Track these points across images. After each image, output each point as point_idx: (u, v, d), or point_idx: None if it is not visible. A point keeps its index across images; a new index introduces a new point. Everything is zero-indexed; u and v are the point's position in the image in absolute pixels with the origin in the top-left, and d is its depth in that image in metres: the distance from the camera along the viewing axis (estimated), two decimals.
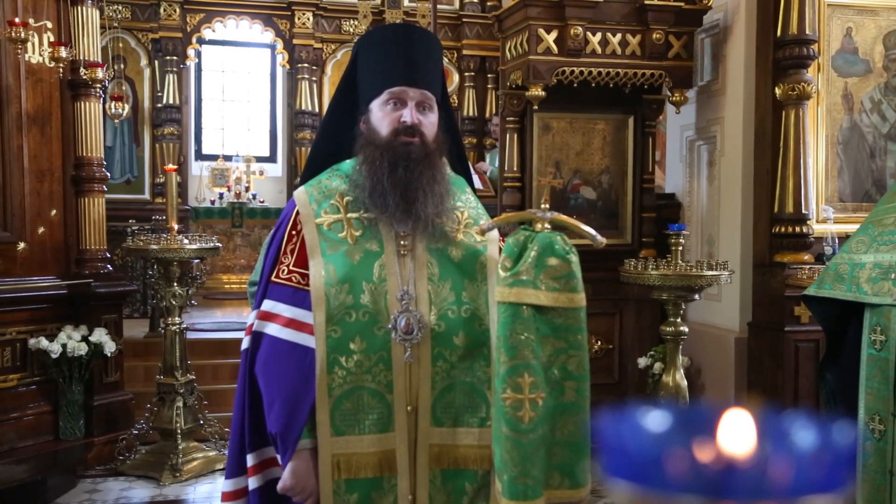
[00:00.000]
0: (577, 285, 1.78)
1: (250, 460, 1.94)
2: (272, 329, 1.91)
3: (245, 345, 1.96)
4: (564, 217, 1.87)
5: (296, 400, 1.85)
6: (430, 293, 1.90)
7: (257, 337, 1.92)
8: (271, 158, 10.64)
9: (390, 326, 1.86)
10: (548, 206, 1.85)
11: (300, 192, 2.01)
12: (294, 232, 1.96)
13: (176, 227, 4.80)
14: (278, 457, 1.90)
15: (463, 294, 1.91)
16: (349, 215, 1.94)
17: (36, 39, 4.53)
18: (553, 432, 1.77)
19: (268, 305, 1.93)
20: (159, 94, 8.75)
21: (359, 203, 1.94)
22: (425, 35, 2.15)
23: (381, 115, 1.93)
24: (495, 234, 1.99)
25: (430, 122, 1.95)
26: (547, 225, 1.82)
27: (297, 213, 1.97)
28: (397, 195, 1.88)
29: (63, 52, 4.34)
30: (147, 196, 8.72)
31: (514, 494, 1.72)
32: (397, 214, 1.90)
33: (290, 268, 1.93)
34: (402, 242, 1.92)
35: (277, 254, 1.97)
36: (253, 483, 1.95)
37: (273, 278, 1.94)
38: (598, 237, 1.88)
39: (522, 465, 1.71)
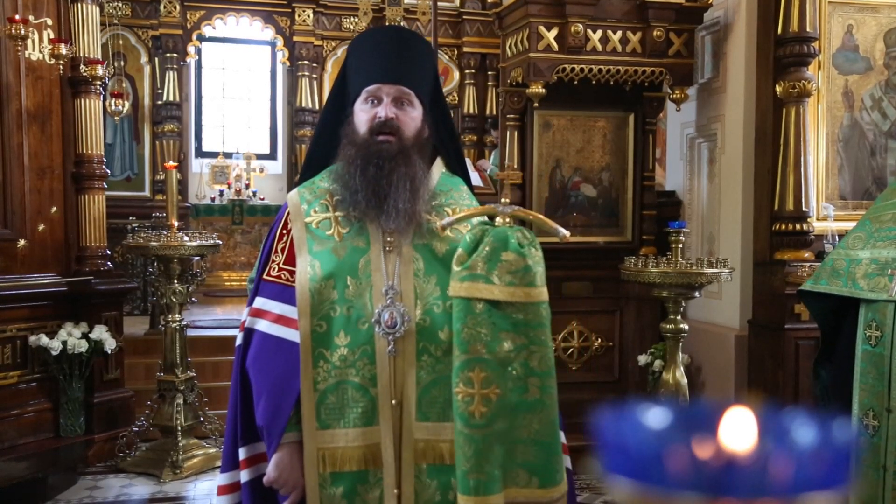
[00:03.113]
0: (535, 280, 1.76)
1: (242, 454, 1.99)
2: (262, 325, 1.96)
3: (238, 341, 2.01)
4: (526, 211, 1.88)
5: (281, 393, 1.90)
6: (416, 288, 1.91)
7: (249, 333, 1.98)
8: (271, 156, 10.64)
9: (374, 321, 1.88)
10: (508, 200, 1.84)
11: (293, 193, 2.08)
12: (285, 231, 2.01)
13: (176, 224, 4.80)
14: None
15: (448, 289, 1.93)
16: (336, 213, 1.98)
17: (36, 36, 4.53)
18: (517, 430, 1.75)
19: (259, 302, 1.98)
20: (159, 91, 8.76)
21: (346, 202, 1.98)
22: (407, 34, 2.18)
23: (360, 115, 1.98)
24: None
25: (408, 117, 1.97)
26: (509, 220, 1.81)
27: (289, 212, 2.03)
28: (368, 192, 1.92)
29: (63, 50, 4.33)
30: (147, 193, 8.72)
31: (466, 489, 1.73)
32: (369, 212, 1.93)
33: (280, 265, 1.99)
34: (388, 239, 1.94)
35: (269, 252, 2.03)
36: (244, 476, 1.98)
37: (264, 276, 2.01)
38: (562, 231, 1.88)
39: (475, 459, 1.71)
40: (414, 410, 1.89)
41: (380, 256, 1.93)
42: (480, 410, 1.71)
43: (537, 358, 1.76)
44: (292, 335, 1.91)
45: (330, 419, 1.89)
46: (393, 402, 1.89)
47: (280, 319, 1.94)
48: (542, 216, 1.93)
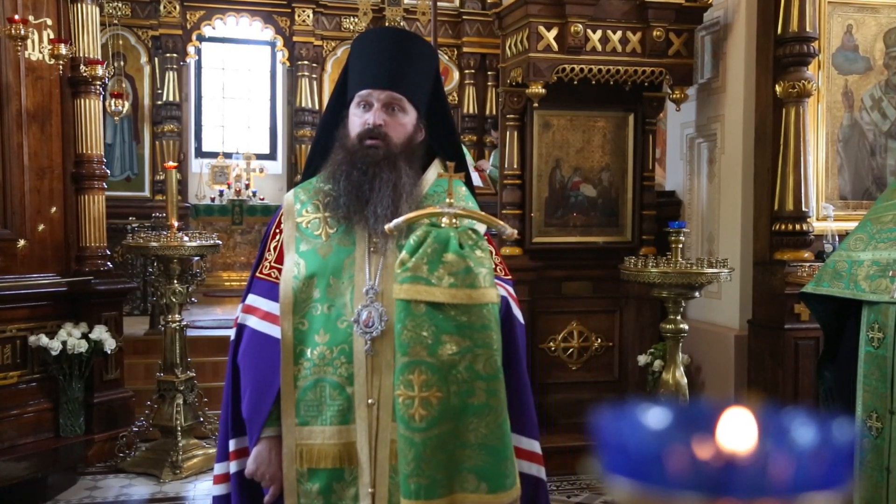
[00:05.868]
0: (476, 281, 1.73)
1: (231, 446, 2.04)
2: (252, 321, 2.01)
3: (232, 336, 2.07)
4: (469, 210, 1.86)
5: (263, 389, 1.94)
6: None
7: (240, 329, 2.04)
8: (271, 156, 10.64)
9: (353, 320, 1.90)
10: (453, 200, 1.83)
11: (289, 193, 2.13)
12: (278, 230, 2.06)
13: (176, 224, 4.79)
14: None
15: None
16: (326, 214, 2.01)
17: (36, 37, 4.54)
18: (463, 434, 1.73)
19: (250, 299, 2.04)
20: (159, 91, 8.75)
21: (332, 204, 2.01)
22: (405, 37, 2.18)
23: (353, 119, 2.01)
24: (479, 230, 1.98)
25: (398, 123, 1.99)
26: (455, 220, 1.80)
27: (283, 211, 2.08)
28: (351, 196, 1.95)
29: (63, 50, 4.33)
30: (147, 193, 8.72)
31: (407, 493, 1.72)
32: (351, 216, 1.96)
33: (272, 264, 2.04)
34: (373, 240, 1.96)
35: (264, 250, 2.08)
36: (233, 468, 2.04)
37: (257, 273, 2.06)
38: (508, 229, 1.88)
39: (415, 463, 1.70)
40: (390, 410, 1.89)
41: (364, 257, 1.96)
42: (420, 413, 1.70)
43: (482, 361, 1.73)
44: (277, 332, 1.95)
45: (308, 416, 1.93)
46: (369, 401, 1.90)
47: (267, 316, 1.98)
48: (487, 215, 1.90)
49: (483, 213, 1.91)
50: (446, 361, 1.71)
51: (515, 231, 1.93)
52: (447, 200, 1.84)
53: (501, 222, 1.89)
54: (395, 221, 1.83)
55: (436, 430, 1.70)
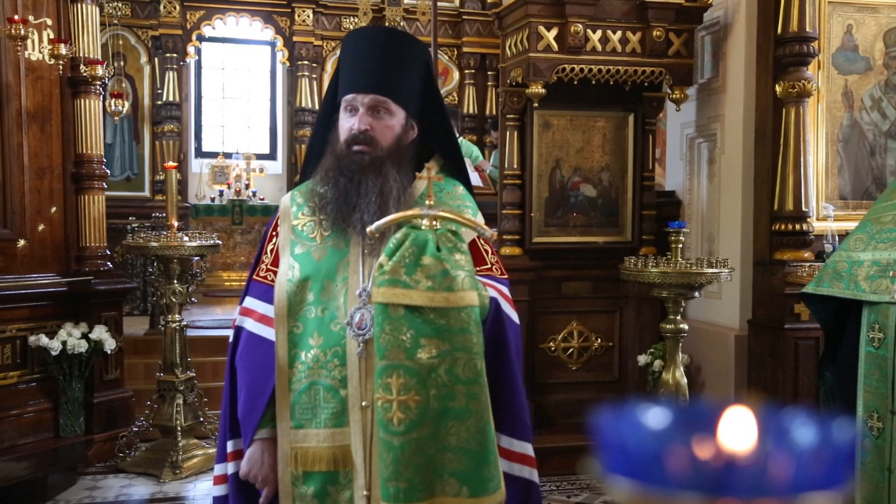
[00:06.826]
0: (454, 284, 1.71)
1: (229, 447, 2.05)
2: (248, 324, 2.02)
3: (230, 338, 2.08)
4: (448, 212, 1.84)
5: (258, 390, 1.95)
6: None
7: (238, 331, 2.05)
8: (271, 156, 10.64)
9: (346, 322, 1.91)
10: (432, 202, 1.83)
11: (286, 196, 2.14)
12: (275, 233, 2.08)
13: (176, 224, 4.80)
14: None
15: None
16: (321, 216, 2.02)
17: (36, 36, 4.53)
18: (444, 438, 1.72)
19: (247, 302, 2.05)
20: (159, 91, 8.76)
21: (322, 210, 2.02)
22: (391, 36, 2.17)
23: (342, 123, 2.02)
24: (469, 233, 1.96)
25: (384, 126, 1.98)
26: (436, 222, 1.79)
27: (279, 214, 2.09)
28: (339, 204, 1.96)
29: (63, 50, 4.33)
30: (147, 193, 8.73)
31: (386, 497, 1.72)
32: (338, 224, 1.97)
33: (268, 266, 2.05)
34: (368, 241, 1.95)
35: (261, 253, 2.09)
36: (230, 469, 2.05)
37: (254, 276, 2.07)
38: (487, 231, 1.88)
39: (394, 466, 1.69)
40: None
41: (358, 259, 1.97)
42: (398, 417, 1.68)
43: (462, 364, 1.72)
44: (272, 334, 1.96)
45: (303, 418, 1.93)
46: (363, 403, 1.90)
47: (263, 319, 1.99)
48: (465, 217, 1.88)
49: (462, 216, 1.88)
50: (425, 365, 1.69)
51: (495, 232, 1.93)
52: (426, 202, 1.82)
53: (482, 225, 1.89)
54: (376, 224, 1.82)
55: (414, 434, 1.69)
